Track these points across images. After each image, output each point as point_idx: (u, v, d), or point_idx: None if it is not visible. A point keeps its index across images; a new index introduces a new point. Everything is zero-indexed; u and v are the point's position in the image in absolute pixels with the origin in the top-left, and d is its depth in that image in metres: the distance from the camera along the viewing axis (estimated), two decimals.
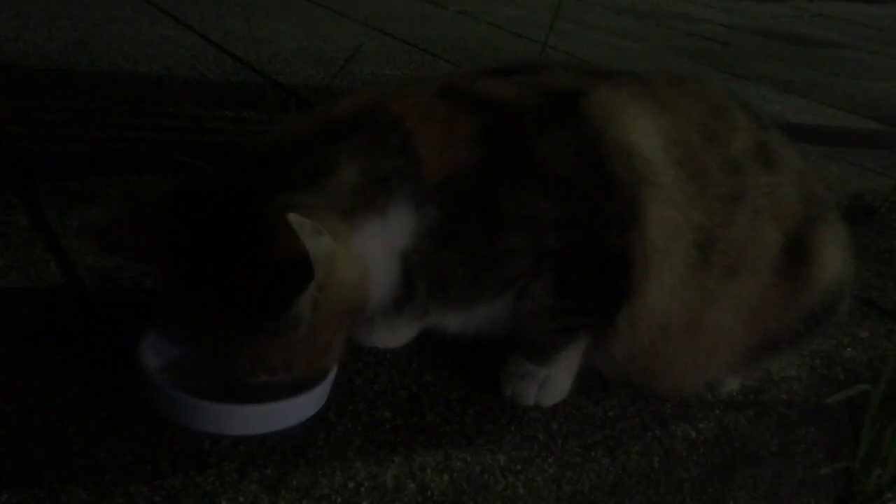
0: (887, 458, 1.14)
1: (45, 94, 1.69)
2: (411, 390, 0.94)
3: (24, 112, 1.59)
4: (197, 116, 1.68)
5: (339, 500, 0.78)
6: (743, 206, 0.92)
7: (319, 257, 0.72)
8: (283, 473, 0.79)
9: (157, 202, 0.83)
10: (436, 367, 0.98)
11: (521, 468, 0.86)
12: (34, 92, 1.70)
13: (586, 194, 0.86)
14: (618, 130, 0.87)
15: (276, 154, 0.84)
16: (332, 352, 0.83)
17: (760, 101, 2.52)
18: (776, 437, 1.05)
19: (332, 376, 0.88)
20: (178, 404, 0.82)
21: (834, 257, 0.98)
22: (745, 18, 4.35)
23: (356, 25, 2.74)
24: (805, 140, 2.16)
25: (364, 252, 0.82)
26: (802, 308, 0.97)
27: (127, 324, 0.96)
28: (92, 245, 0.84)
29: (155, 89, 1.82)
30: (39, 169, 1.35)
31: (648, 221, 0.86)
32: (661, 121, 0.90)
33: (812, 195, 0.99)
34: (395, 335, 0.99)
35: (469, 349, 0.99)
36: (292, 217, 0.70)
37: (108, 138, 1.53)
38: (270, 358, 0.78)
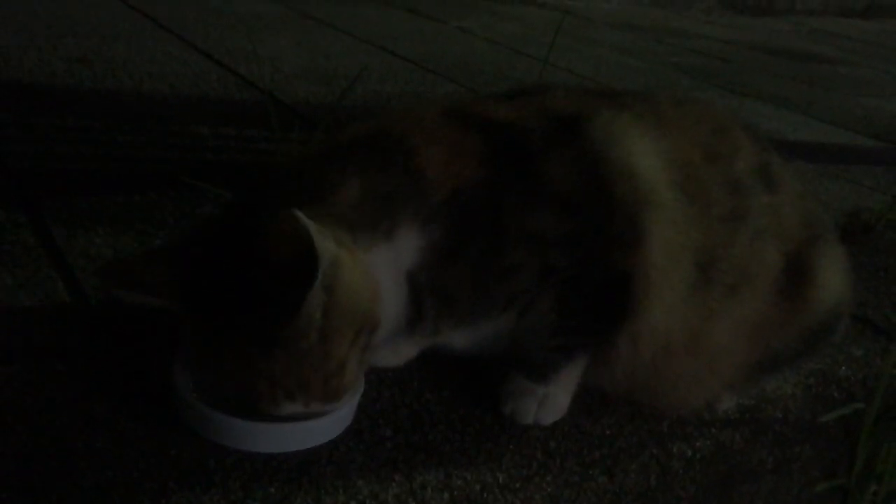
0: (882, 474, 1.15)
1: (50, 111, 1.71)
2: (412, 409, 0.95)
3: (30, 129, 1.61)
4: (200, 134, 1.70)
5: None
6: (745, 226, 0.93)
7: (322, 253, 0.73)
8: (287, 492, 0.80)
9: (171, 243, 0.84)
10: (437, 385, 1.00)
11: (520, 486, 0.87)
12: (39, 109, 1.72)
13: (588, 214, 0.88)
14: (620, 152, 0.89)
15: (282, 177, 0.86)
16: (348, 370, 0.82)
17: (758, 118, 2.54)
18: (772, 454, 1.06)
19: (359, 395, 0.90)
20: (210, 421, 0.84)
21: (834, 278, 1.00)
22: (744, 34, 4.38)
23: (357, 42, 2.76)
24: (802, 157, 2.18)
25: (371, 267, 0.83)
26: (802, 327, 0.99)
27: (134, 342, 0.98)
28: (112, 284, 0.83)
29: (158, 107, 1.84)
30: (45, 187, 1.36)
31: (650, 242, 0.88)
32: (664, 142, 0.92)
33: (812, 216, 1.01)
34: (396, 354, 1.00)
35: (469, 368, 1.01)
36: (294, 212, 0.72)
37: (112, 156, 1.55)
38: (286, 377, 0.79)
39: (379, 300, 0.83)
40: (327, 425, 0.87)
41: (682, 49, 3.65)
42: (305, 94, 2.06)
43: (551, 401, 0.96)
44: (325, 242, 0.75)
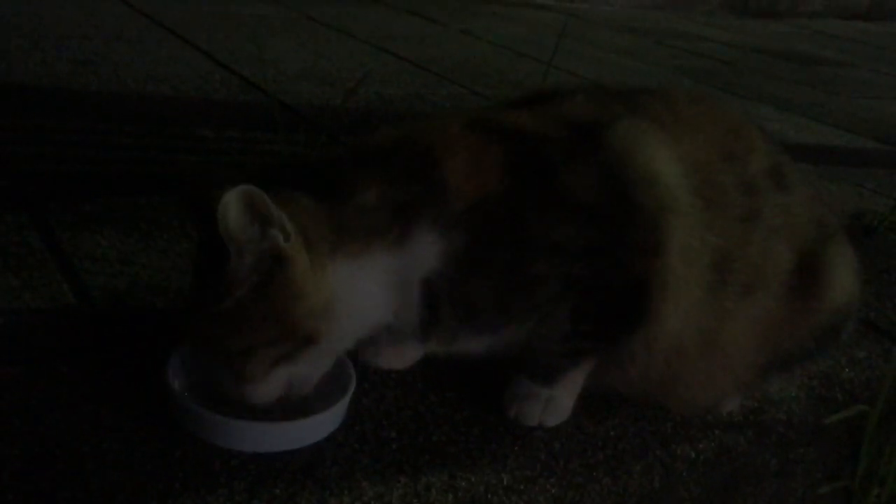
0: (886, 477, 1.15)
1: (55, 113, 1.72)
2: (417, 410, 0.96)
3: (35, 132, 1.61)
4: (204, 137, 1.70)
5: None
6: (759, 226, 0.94)
7: (236, 230, 0.77)
8: (292, 493, 0.80)
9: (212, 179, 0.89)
10: (441, 387, 1.00)
11: (524, 488, 0.88)
12: (43, 111, 1.73)
13: (611, 222, 0.88)
14: (640, 160, 0.89)
15: (308, 169, 0.88)
16: (254, 362, 0.82)
17: (760, 121, 2.53)
18: (776, 456, 1.06)
19: (349, 396, 0.90)
20: (202, 421, 0.85)
21: (843, 278, 1.00)
22: (746, 36, 4.38)
23: (359, 44, 2.77)
24: (805, 160, 2.18)
25: (353, 279, 0.83)
26: (813, 326, 1.00)
27: (139, 344, 0.98)
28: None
29: (162, 109, 1.84)
30: (50, 189, 1.37)
31: (669, 248, 0.88)
32: (682, 146, 0.92)
33: (823, 217, 1.02)
34: (400, 357, 1.01)
35: (473, 370, 1.01)
36: (227, 195, 0.75)
37: (116, 159, 1.55)
38: (199, 328, 0.83)
39: (325, 318, 0.83)
40: (312, 425, 0.88)
41: (684, 51, 3.66)
42: (309, 96, 2.06)
43: (555, 403, 0.97)
44: (262, 229, 0.78)
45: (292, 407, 0.90)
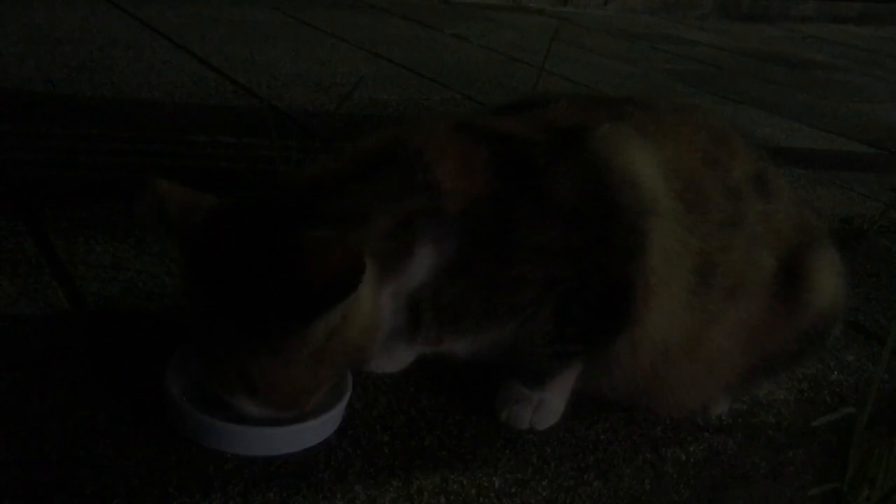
0: (875, 478, 1.16)
1: (49, 119, 1.72)
2: (409, 414, 0.96)
3: (29, 138, 1.62)
4: (198, 142, 1.71)
5: None
6: (741, 232, 0.95)
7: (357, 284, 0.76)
8: (286, 497, 0.81)
9: (208, 204, 0.86)
10: (433, 391, 1.01)
11: (515, 491, 0.88)
12: (38, 117, 1.73)
13: (593, 224, 0.89)
14: (622, 162, 0.90)
15: (312, 190, 0.85)
16: (315, 394, 0.85)
17: (752, 125, 2.56)
18: (765, 459, 1.07)
19: (345, 401, 0.91)
20: (198, 425, 0.85)
21: (828, 282, 1.01)
22: (738, 41, 4.40)
23: (353, 49, 2.78)
24: (795, 163, 2.20)
25: (385, 298, 0.85)
26: (797, 330, 1.01)
27: (133, 349, 0.99)
28: (147, 203, 0.86)
29: (157, 115, 1.85)
30: (45, 195, 1.37)
31: (651, 250, 0.89)
32: (664, 150, 0.93)
33: (807, 223, 1.03)
34: (393, 361, 1.02)
35: (465, 374, 1.02)
36: (354, 250, 0.75)
37: (111, 164, 1.56)
38: (260, 377, 0.80)
39: (379, 335, 0.85)
40: (309, 429, 0.88)
41: (677, 56, 3.67)
42: (303, 101, 2.07)
43: (546, 406, 0.98)
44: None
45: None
